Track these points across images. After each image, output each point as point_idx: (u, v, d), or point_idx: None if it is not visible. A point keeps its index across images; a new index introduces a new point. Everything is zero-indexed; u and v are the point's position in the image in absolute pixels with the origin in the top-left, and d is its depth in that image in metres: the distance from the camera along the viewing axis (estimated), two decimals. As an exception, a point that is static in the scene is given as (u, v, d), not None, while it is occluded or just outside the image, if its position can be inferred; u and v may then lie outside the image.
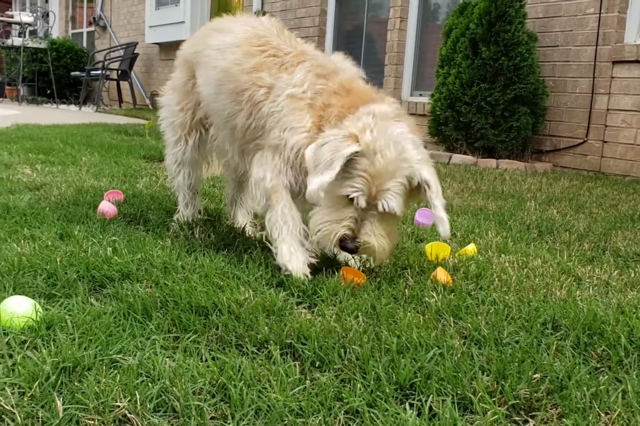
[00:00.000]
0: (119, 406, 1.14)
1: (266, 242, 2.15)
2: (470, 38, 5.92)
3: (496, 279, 2.10)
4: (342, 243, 1.93)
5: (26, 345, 1.41)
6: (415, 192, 1.99)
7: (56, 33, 14.79)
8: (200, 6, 10.68)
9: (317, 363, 1.40)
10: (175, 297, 1.73)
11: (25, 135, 5.37)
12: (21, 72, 11.89)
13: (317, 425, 1.16)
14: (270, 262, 2.12)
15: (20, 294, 1.70)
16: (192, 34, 10.21)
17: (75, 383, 1.21)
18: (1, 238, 2.24)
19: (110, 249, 2.12)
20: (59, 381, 1.22)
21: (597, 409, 1.25)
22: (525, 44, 5.87)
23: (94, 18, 13.93)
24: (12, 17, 12.31)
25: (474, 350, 1.50)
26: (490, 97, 5.82)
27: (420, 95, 7.57)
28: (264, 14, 6.55)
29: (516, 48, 5.80)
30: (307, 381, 1.31)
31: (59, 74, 12.80)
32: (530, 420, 1.24)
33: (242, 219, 2.73)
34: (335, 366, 1.39)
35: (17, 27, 13.09)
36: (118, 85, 12.36)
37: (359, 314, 1.68)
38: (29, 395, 1.17)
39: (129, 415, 1.13)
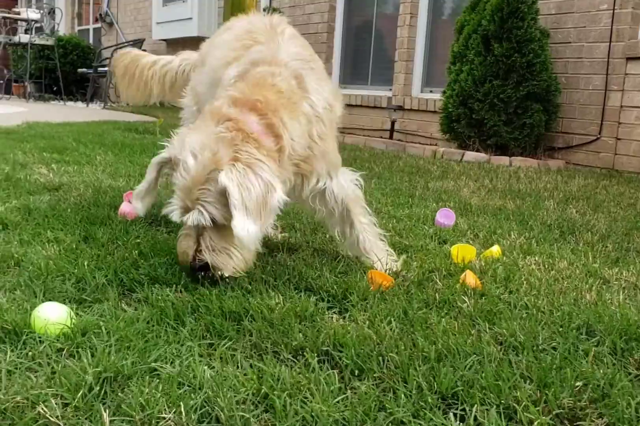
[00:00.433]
0: (164, 418, 1.13)
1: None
2: (483, 35, 5.89)
3: (524, 282, 2.08)
4: (190, 263, 1.86)
5: (63, 353, 1.40)
6: None
7: (62, 30, 14.77)
8: (208, 3, 10.65)
9: (356, 372, 1.39)
10: (206, 302, 1.72)
11: (37, 133, 5.37)
12: (28, 69, 11.88)
13: (363, 436, 1.15)
14: (297, 265, 2.11)
15: (50, 300, 1.70)
16: (199, 30, 10.21)
17: (119, 394, 1.20)
18: (25, 240, 2.23)
19: (136, 252, 2.11)
20: (102, 392, 1.21)
21: (644, 419, 1.24)
22: (538, 40, 5.83)
23: (100, 14, 13.91)
24: (18, 13, 12.30)
25: (512, 357, 1.48)
26: (503, 94, 5.79)
27: (431, 91, 7.54)
28: (273, 10, 6.51)
29: (529, 45, 5.76)
30: (348, 391, 1.30)
31: (65, 70, 12.78)
32: (576, 430, 1.23)
33: None
34: (374, 375, 1.37)
35: (24, 24, 13.09)
36: (125, 82, 12.32)
37: (392, 319, 1.67)
38: (72, 405, 1.16)
39: (174, 427, 1.13)
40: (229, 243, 1.83)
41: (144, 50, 12.00)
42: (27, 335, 1.46)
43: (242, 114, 1.86)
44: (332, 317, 1.71)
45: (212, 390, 1.24)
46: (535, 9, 5.90)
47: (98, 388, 1.21)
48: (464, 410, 1.25)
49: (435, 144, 6.96)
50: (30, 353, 1.39)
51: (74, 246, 2.17)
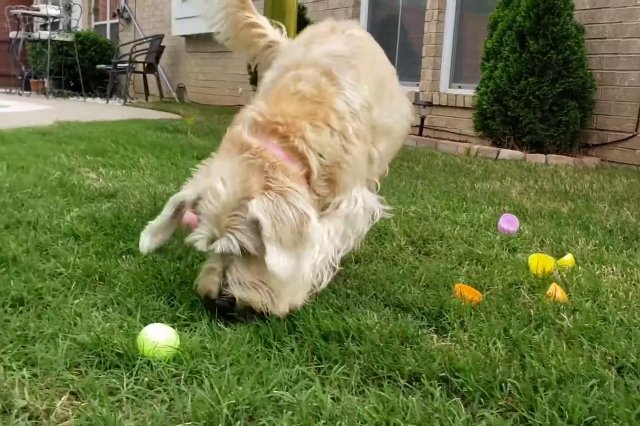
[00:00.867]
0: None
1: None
2: (518, 31, 5.82)
3: (611, 295, 2.04)
4: (213, 301, 1.69)
5: (181, 379, 1.38)
6: None
7: (79, 25, 14.74)
8: (229, -3, 10.56)
9: (479, 399, 1.36)
10: (301, 321, 1.69)
11: (72, 134, 5.35)
12: (48, 66, 11.87)
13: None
14: (377, 278, 2.09)
15: (146, 318, 1.69)
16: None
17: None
18: (100, 252, 2.21)
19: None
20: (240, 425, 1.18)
21: None
22: (574, 36, 5.76)
23: (117, 10, 13.87)
24: (38, 10, 12.27)
25: (631, 381, 1.45)
26: (538, 91, 5.73)
27: (459, 87, 7.47)
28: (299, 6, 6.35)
29: (565, 41, 5.69)
30: (483, 422, 1.27)
31: (84, 67, 12.76)
32: None
33: None
34: (499, 403, 1.35)
35: (40, 20, 13.06)
36: (144, 78, 12.31)
37: (496, 340, 1.64)
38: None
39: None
40: (260, 277, 1.69)
41: (163, 46, 11.98)
42: (139, 359, 1.44)
43: (262, 140, 1.76)
44: (432, 337, 1.68)
45: (345, 421, 1.22)
46: (571, 5, 5.82)
47: (233, 420, 1.18)
48: (602, 441, 1.23)
49: (465, 141, 6.90)
50: (145, 379, 1.38)
51: (151, 258, 2.15)
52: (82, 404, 1.26)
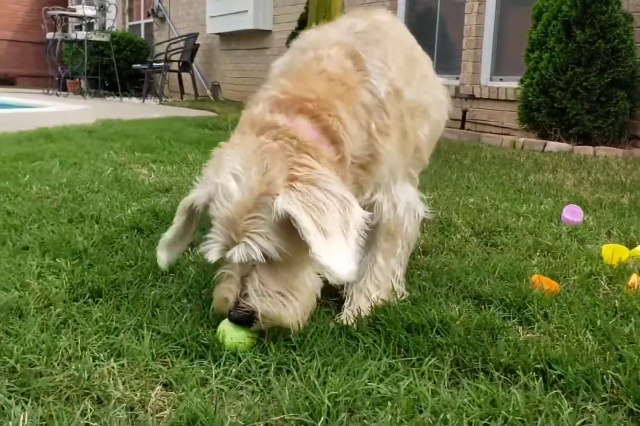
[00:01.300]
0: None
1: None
2: (563, 21, 5.69)
3: (694, 286, 1.96)
4: (229, 313, 1.46)
5: (269, 370, 1.35)
6: None
7: (114, 25, 14.88)
8: (263, -6, 10.56)
9: (581, 392, 1.31)
10: (384, 314, 1.65)
11: (117, 132, 5.38)
12: (85, 66, 12.01)
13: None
14: (449, 270, 2.04)
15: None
16: (255, 23, 10.10)
17: (364, 421, 1.14)
18: (165, 246, 2.19)
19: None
20: (343, 418, 1.15)
21: None
22: (623, 25, 5.61)
23: (152, 9, 13.97)
24: (74, 11, 12.42)
25: None
26: (586, 82, 5.59)
27: (501, 80, 7.34)
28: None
29: (614, 30, 5.55)
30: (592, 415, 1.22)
31: (120, 66, 12.88)
32: None
33: None
34: (602, 395, 1.29)
35: (75, 20, 13.22)
36: (179, 77, 12.38)
37: (586, 331, 1.58)
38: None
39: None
40: (284, 286, 1.46)
41: (198, 44, 12.03)
42: (225, 350, 1.41)
43: (289, 119, 1.51)
44: (518, 329, 1.63)
45: (448, 414, 1.18)
46: (619, -7, 5.68)
47: (336, 413, 1.15)
48: None
49: (508, 134, 6.78)
50: (234, 370, 1.35)
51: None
52: (177, 395, 1.24)
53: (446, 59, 8.02)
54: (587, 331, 1.58)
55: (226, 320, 1.50)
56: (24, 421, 1.12)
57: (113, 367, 1.32)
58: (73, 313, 1.58)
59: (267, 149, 1.44)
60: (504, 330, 1.59)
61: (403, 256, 1.82)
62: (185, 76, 12.40)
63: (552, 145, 5.73)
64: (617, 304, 1.76)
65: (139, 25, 15.38)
